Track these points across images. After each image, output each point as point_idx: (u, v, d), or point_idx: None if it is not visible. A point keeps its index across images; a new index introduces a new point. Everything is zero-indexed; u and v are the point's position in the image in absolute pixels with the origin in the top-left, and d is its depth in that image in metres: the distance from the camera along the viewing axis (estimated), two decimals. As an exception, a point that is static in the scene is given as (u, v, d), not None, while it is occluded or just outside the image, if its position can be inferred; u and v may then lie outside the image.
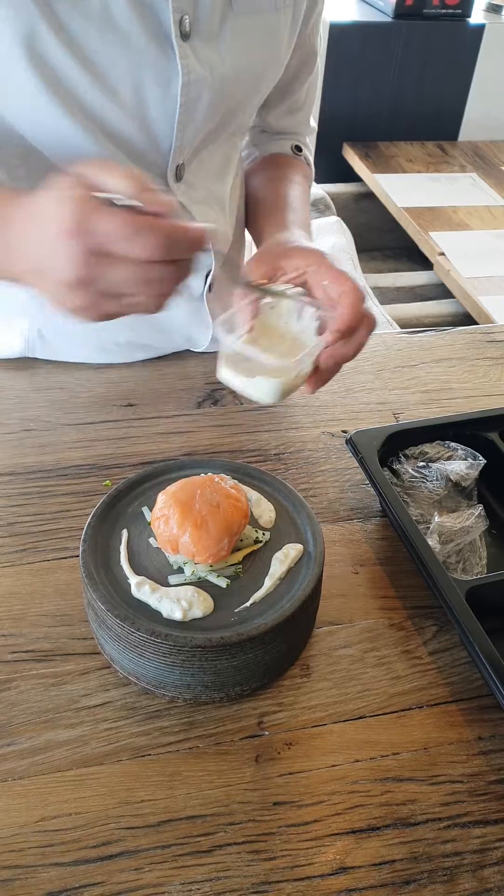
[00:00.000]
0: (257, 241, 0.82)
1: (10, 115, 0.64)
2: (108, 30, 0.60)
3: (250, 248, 0.94)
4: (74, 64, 0.60)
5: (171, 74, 0.63)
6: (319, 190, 1.84)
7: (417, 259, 2.06)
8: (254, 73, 0.71)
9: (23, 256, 0.50)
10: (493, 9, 2.21)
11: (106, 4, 0.59)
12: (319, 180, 1.65)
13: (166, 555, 0.53)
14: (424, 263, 1.95)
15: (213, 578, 0.52)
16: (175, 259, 0.47)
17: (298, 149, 0.89)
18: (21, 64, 0.59)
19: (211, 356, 0.85)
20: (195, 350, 0.86)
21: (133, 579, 0.52)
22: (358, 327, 0.56)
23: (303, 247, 0.61)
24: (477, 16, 2.15)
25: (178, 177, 0.72)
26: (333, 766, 0.50)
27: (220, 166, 0.79)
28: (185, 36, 0.63)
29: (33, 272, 0.50)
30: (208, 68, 0.65)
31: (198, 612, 0.50)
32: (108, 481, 0.68)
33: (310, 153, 0.91)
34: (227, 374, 0.57)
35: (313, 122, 0.93)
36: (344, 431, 0.76)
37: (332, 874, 0.45)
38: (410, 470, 0.68)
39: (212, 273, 0.79)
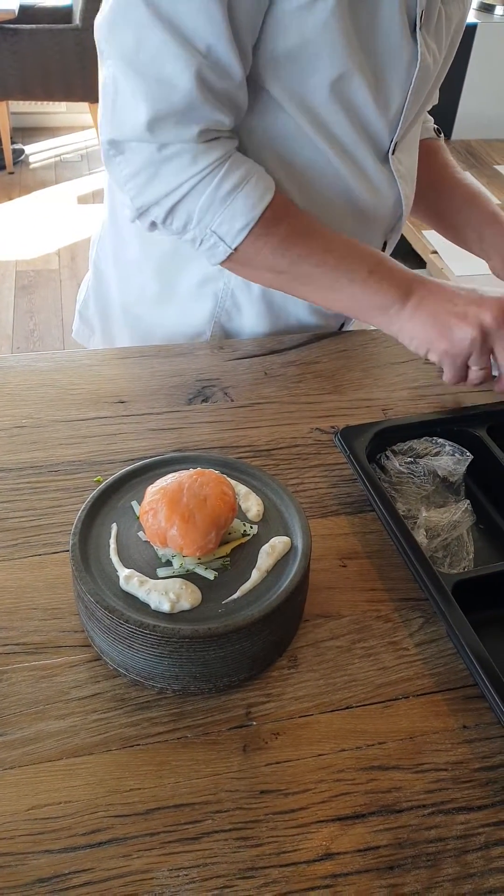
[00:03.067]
0: (461, 233, 0.97)
1: (303, 112, 0.74)
2: (373, 16, 0.70)
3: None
4: (350, 49, 0.70)
5: (410, 61, 0.74)
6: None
7: (410, 257, 2.06)
8: (448, 57, 0.83)
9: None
10: (486, 8, 2.22)
11: (377, 4, 0.69)
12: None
13: (155, 548, 0.54)
14: (417, 261, 1.96)
15: (200, 571, 0.53)
16: None
17: (438, 131, 1.01)
18: (322, 48, 0.69)
19: (202, 352, 0.86)
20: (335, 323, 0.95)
21: (122, 572, 0.52)
22: None
23: None
24: (469, 16, 2.16)
25: (393, 150, 0.83)
26: (320, 755, 0.51)
27: (412, 144, 0.89)
28: (420, 27, 0.73)
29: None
30: (432, 56, 0.77)
31: (186, 605, 0.51)
32: (98, 477, 0.69)
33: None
34: None
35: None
36: (333, 427, 0.77)
37: (318, 860, 0.46)
38: (398, 465, 0.69)
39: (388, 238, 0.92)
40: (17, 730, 0.50)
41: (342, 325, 0.97)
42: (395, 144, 0.82)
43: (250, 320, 0.90)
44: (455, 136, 2.29)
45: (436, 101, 1.01)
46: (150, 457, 0.64)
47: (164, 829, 0.46)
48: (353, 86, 0.73)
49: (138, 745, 0.50)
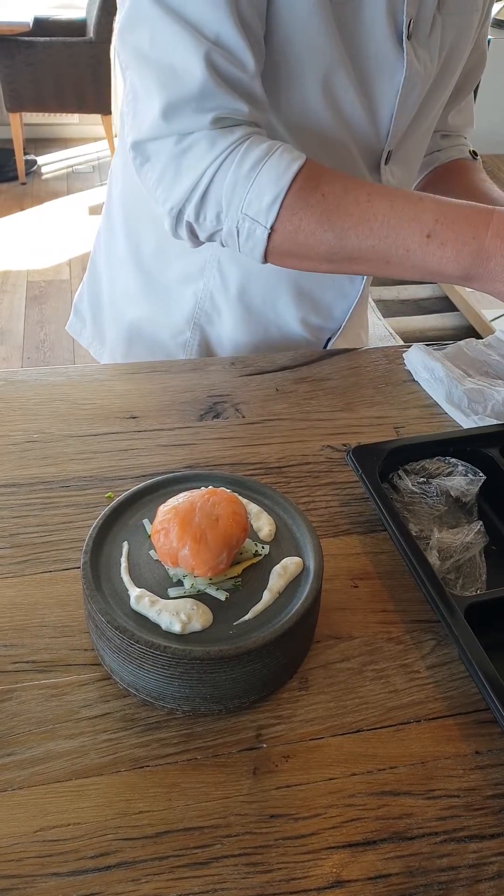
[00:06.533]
0: None
1: (284, 120, 0.75)
2: (359, 24, 0.71)
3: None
4: (337, 55, 0.71)
5: (396, 68, 0.74)
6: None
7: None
8: (449, 68, 0.82)
9: None
10: (498, 24, 2.23)
11: (359, 7, 0.70)
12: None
13: (166, 567, 0.54)
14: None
15: (212, 591, 0.53)
16: None
17: (475, 154, 0.99)
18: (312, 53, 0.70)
19: (214, 368, 0.86)
20: (321, 335, 0.93)
21: (133, 591, 0.52)
22: None
23: None
24: (482, 31, 2.17)
25: (386, 161, 0.82)
26: (330, 779, 0.50)
27: (414, 160, 0.89)
28: (409, 36, 0.73)
29: None
30: (422, 64, 0.76)
31: (197, 625, 0.51)
32: (110, 493, 0.69)
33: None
34: None
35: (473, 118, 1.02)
36: (345, 445, 0.77)
37: (328, 887, 0.45)
38: (411, 485, 0.68)
39: None
40: (26, 749, 0.50)
41: (328, 340, 0.95)
42: (389, 154, 0.82)
43: (229, 325, 0.90)
44: (466, 150, 2.30)
45: (470, 124, 1.01)
46: (162, 473, 0.64)
47: (173, 853, 0.46)
48: (340, 86, 0.72)
49: (148, 766, 0.50)
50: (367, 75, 0.74)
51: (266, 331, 0.91)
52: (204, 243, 0.75)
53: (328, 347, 0.94)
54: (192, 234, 0.73)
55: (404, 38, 0.72)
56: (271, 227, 0.68)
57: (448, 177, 0.97)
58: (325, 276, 0.88)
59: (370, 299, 1.70)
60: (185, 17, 0.64)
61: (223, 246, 0.73)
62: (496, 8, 2.28)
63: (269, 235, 0.69)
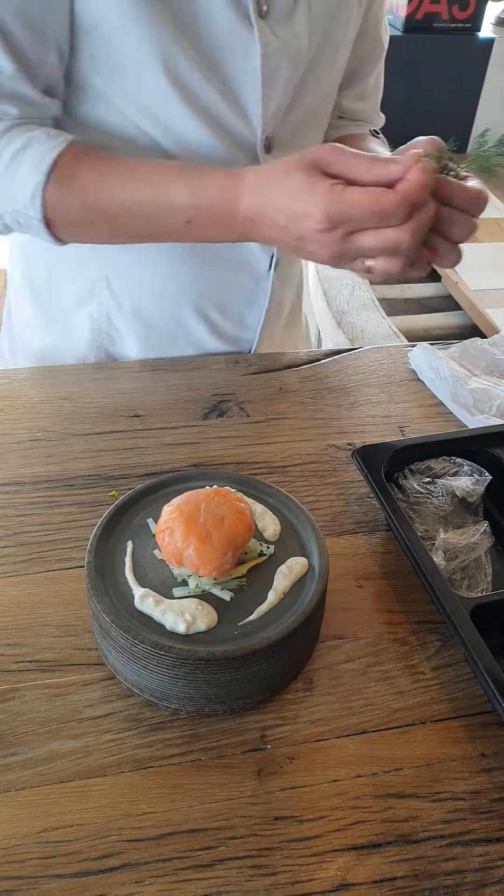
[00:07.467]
0: None
1: (141, 112, 0.71)
2: (196, 9, 0.67)
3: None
4: (179, 44, 0.67)
5: (249, 49, 0.70)
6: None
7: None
8: (327, 46, 0.77)
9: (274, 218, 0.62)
10: (503, 23, 2.22)
11: None
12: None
13: (171, 567, 0.54)
14: (432, 275, 1.95)
15: (216, 591, 0.53)
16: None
17: (376, 132, 0.94)
18: (144, 45, 0.67)
19: (218, 366, 0.86)
20: (232, 346, 0.90)
21: (137, 591, 0.52)
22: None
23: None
24: (486, 30, 2.16)
25: (268, 149, 0.77)
26: (335, 780, 0.50)
27: (307, 141, 0.82)
28: (262, 14, 0.70)
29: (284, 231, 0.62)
30: (284, 42, 0.72)
31: (201, 625, 0.50)
32: (114, 492, 0.68)
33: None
34: None
35: (382, 114, 0.97)
36: (349, 444, 0.76)
37: (333, 890, 0.45)
38: (416, 485, 0.68)
39: (276, 250, 0.84)
40: (30, 749, 0.50)
41: (251, 350, 0.91)
42: (270, 141, 0.77)
43: (133, 344, 0.86)
44: (471, 149, 2.29)
45: (374, 117, 0.94)
46: (166, 472, 0.64)
47: (176, 856, 0.46)
48: (185, 73, 0.69)
49: (151, 767, 0.50)
50: (214, 59, 0.70)
51: (176, 345, 0.87)
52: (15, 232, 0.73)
53: (251, 352, 0.91)
54: None
55: (252, 16, 0.68)
56: (44, 218, 0.67)
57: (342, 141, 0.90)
58: (226, 284, 0.85)
59: (374, 298, 1.70)
60: None
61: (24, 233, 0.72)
62: (501, 6, 2.27)
63: (47, 224, 0.68)
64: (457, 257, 0.65)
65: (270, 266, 0.85)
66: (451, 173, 0.62)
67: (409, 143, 0.65)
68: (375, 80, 0.93)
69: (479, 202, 0.62)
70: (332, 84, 0.83)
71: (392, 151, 0.67)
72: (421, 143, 0.63)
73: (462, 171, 0.63)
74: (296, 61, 0.74)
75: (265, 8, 0.70)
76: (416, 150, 0.60)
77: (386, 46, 0.91)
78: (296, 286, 0.96)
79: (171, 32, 0.67)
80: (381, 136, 0.94)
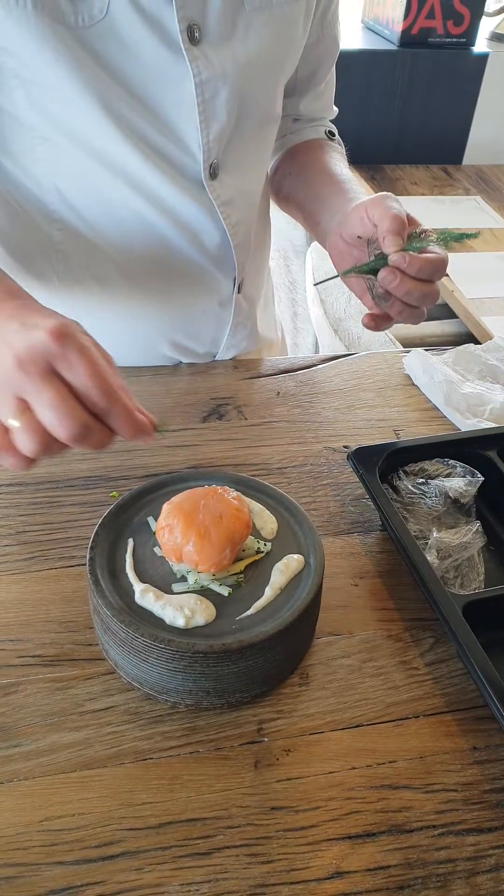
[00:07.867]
0: (316, 216, 0.84)
1: (72, 139, 0.70)
2: (121, 43, 0.65)
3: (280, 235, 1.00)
4: (109, 80, 0.66)
5: (182, 77, 0.68)
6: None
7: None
8: (271, 63, 0.76)
9: None
10: (497, 38, 2.26)
11: (112, 22, 0.64)
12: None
13: (170, 563, 0.55)
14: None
15: (215, 587, 0.54)
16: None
17: (332, 134, 0.94)
18: (74, 85, 0.65)
19: (216, 371, 0.87)
20: (208, 359, 0.90)
21: (138, 587, 0.53)
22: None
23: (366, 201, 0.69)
24: (481, 44, 2.19)
25: (213, 175, 0.76)
26: (331, 772, 0.51)
27: (254, 161, 0.82)
28: (195, 41, 0.68)
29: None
30: (220, 67, 0.70)
31: (200, 620, 0.52)
32: (114, 493, 0.70)
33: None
34: None
35: (335, 106, 0.98)
36: (345, 447, 0.78)
37: (328, 878, 0.46)
38: (410, 486, 0.69)
39: (237, 274, 0.84)
40: (32, 741, 0.51)
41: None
42: (216, 167, 0.75)
43: None
44: (466, 161, 2.32)
45: (328, 110, 0.94)
46: (166, 473, 0.65)
47: (175, 844, 0.47)
48: (118, 107, 0.67)
49: (151, 758, 0.51)
50: (146, 91, 0.68)
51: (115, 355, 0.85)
52: None
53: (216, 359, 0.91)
54: None
55: (183, 45, 0.67)
56: None
57: (299, 156, 0.91)
58: (195, 314, 0.85)
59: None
60: None
61: None
62: (495, 21, 2.30)
63: None
64: (420, 318, 0.68)
65: (234, 289, 0.85)
66: (416, 245, 0.66)
67: (375, 214, 0.67)
68: (331, 75, 0.93)
69: (440, 271, 0.66)
70: (278, 96, 0.81)
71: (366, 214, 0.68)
72: (385, 224, 0.65)
73: (427, 239, 0.67)
74: (236, 83, 0.71)
75: (197, 35, 0.67)
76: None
77: (340, 42, 0.89)
78: (262, 300, 0.97)
79: (102, 68, 0.65)
80: (336, 137, 0.95)
